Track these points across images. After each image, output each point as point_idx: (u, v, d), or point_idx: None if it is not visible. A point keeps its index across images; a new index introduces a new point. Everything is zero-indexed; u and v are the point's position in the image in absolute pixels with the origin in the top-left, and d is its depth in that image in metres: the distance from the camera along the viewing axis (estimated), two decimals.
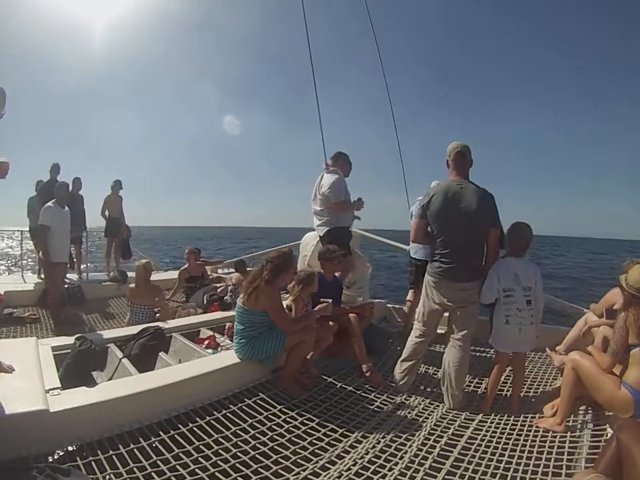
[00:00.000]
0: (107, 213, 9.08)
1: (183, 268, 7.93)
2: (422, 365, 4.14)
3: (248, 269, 7.28)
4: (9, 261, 23.67)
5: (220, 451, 2.64)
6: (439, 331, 4.09)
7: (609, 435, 2.70)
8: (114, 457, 2.47)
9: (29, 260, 12.87)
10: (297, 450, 2.74)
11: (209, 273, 8.31)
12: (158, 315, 5.59)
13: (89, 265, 9.02)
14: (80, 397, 2.79)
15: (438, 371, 4.08)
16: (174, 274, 8.39)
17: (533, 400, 3.70)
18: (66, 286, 7.11)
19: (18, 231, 9.23)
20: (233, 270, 8.05)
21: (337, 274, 4.86)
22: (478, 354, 4.86)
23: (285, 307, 3.92)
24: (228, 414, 3.09)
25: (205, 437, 2.77)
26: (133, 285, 5.68)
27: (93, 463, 2.39)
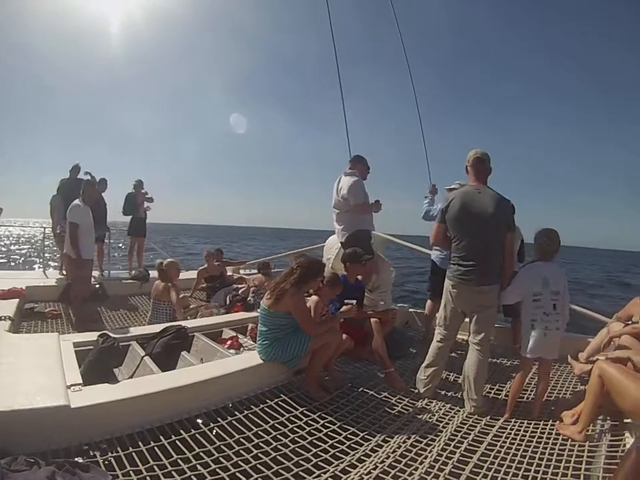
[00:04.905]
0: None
1: (201, 268, 8.17)
2: (444, 371, 4.09)
3: (272, 271, 7.32)
4: (28, 249, 24.10)
5: (241, 451, 2.63)
6: (459, 337, 4.05)
7: (627, 446, 2.68)
8: (134, 454, 2.46)
9: (54, 255, 13.01)
10: (319, 452, 2.72)
11: (230, 274, 8.37)
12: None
13: (108, 261, 9.09)
14: (101, 393, 2.79)
15: (459, 377, 4.07)
16: (191, 274, 8.47)
17: (552, 407, 3.66)
18: None
19: (41, 227, 9.35)
20: (255, 271, 8.10)
21: (359, 277, 4.84)
22: (500, 360, 4.83)
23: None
24: (250, 415, 3.08)
25: (226, 436, 2.76)
26: (157, 282, 5.71)
27: (112, 459, 2.38)
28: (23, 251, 28.69)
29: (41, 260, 10.37)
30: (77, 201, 6.00)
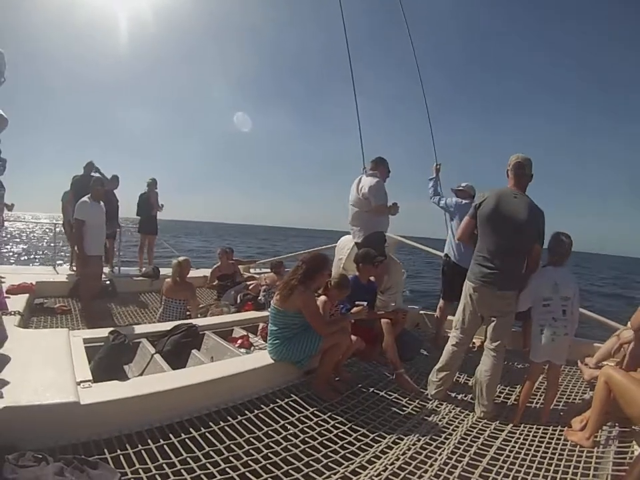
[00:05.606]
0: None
1: (215, 266, 8.22)
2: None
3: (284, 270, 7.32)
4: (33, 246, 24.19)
5: (251, 450, 2.61)
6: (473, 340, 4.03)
7: (635, 453, 2.67)
8: (143, 452, 2.44)
9: (63, 252, 13.05)
10: (329, 453, 2.71)
11: (241, 272, 8.38)
12: (189, 312, 5.65)
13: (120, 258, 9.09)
14: (111, 390, 2.78)
15: (469, 379, 4.07)
16: (204, 272, 8.50)
17: (561, 413, 3.65)
18: None
19: (51, 223, 9.37)
20: (268, 270, 8.11)
21: (371, 278, 4.83)
22: (510, 364, 4.81)
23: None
24: (260, 414, 3.07)
25: (236, 436, 2.75)
26: (169, 280, 5.74)
27: (121, 457, 2.36)
28: (26, 246, 28.78)
29: (38, 256, 10.39)
30: (85, 198, 6.00)
